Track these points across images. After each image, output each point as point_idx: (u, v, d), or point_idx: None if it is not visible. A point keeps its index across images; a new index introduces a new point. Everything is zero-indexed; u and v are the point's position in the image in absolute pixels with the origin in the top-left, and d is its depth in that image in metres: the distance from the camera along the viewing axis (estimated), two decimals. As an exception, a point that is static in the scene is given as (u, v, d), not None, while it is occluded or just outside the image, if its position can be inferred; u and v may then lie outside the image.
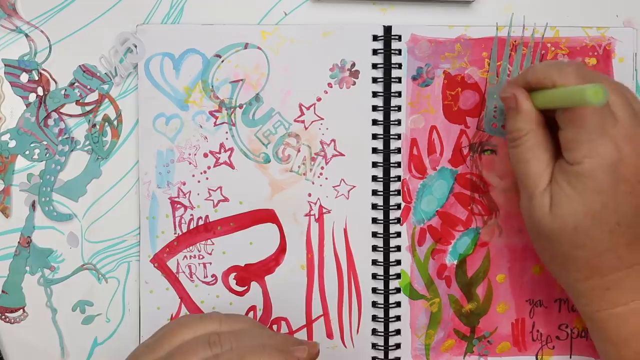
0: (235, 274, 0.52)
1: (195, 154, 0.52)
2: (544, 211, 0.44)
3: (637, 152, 0.43)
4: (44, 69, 0.52)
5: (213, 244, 0.52)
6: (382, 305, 0.52)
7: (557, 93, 0.43)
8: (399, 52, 0.52)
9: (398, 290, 0.53)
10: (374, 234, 0.52)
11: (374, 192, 0.52)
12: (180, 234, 0.52)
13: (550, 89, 0.44)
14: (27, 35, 0.52)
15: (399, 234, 0.52)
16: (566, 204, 0.43)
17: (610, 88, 0.43)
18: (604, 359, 0.47)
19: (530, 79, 0.45)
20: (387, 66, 0.52)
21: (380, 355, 0.53)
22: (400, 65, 0.52)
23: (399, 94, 0.52)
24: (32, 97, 0.52)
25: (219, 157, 0.52)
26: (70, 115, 0.52)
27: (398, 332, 0.53)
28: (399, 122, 0.52)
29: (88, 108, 0.52)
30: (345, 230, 0.52)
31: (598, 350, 0.48)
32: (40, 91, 0.52)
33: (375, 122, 0.52)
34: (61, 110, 0.52)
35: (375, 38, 0.52)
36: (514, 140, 0.46)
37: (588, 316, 0.46)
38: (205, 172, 0.52)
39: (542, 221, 0.44)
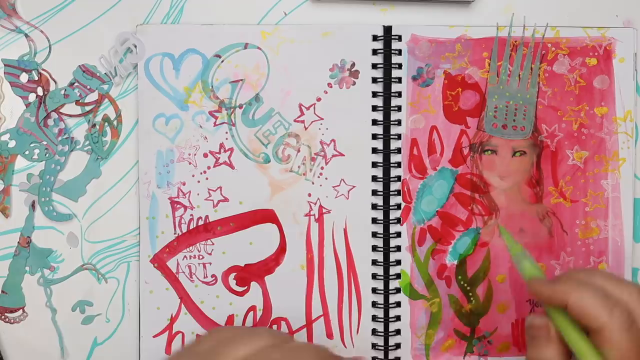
0: (235, 274, 0.52)
1: (195, 154, 0.52)
2: None
3: None
4: (43, 69, 0.52)
5: (213, 244, 0.52)
6: (382, 305, 0.52)
7: (577, 343, 0.41)
8: (399, 52, 0.52)
9: (398, 290, 0.53)
10: (374, 234, 0.52)
11: (374, 192, 0.52)
12: (180, 234, 0.52)
13: (571, 329, 0.42)
14: (27, 35, 0.52)
15: (399, 234, 0.52)
16: None
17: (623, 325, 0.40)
18: None
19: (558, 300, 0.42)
20: (387, 66, 0.52)
21: (380, 355, 0.53)
22: (400, 66, 0.52)
23: (399, 94, 0.52)
24: (32, 97, 0.52)
25: (219, 157, 0.52)
26: (70, 115, 0.52)
27: (398, 332, 0.53)
28: (399, 122, 0.52)
29: (88, 108, 0.52)
30: (345, 230, 0.52)
31: None
32: (40, 91, 0.52)
33: (375, 122, 0.52)
34: (61, 110, 0.52)
35: (375, 38, 0.52)
36: None
37: None
38: (205, 172, 0.52)
39: None
